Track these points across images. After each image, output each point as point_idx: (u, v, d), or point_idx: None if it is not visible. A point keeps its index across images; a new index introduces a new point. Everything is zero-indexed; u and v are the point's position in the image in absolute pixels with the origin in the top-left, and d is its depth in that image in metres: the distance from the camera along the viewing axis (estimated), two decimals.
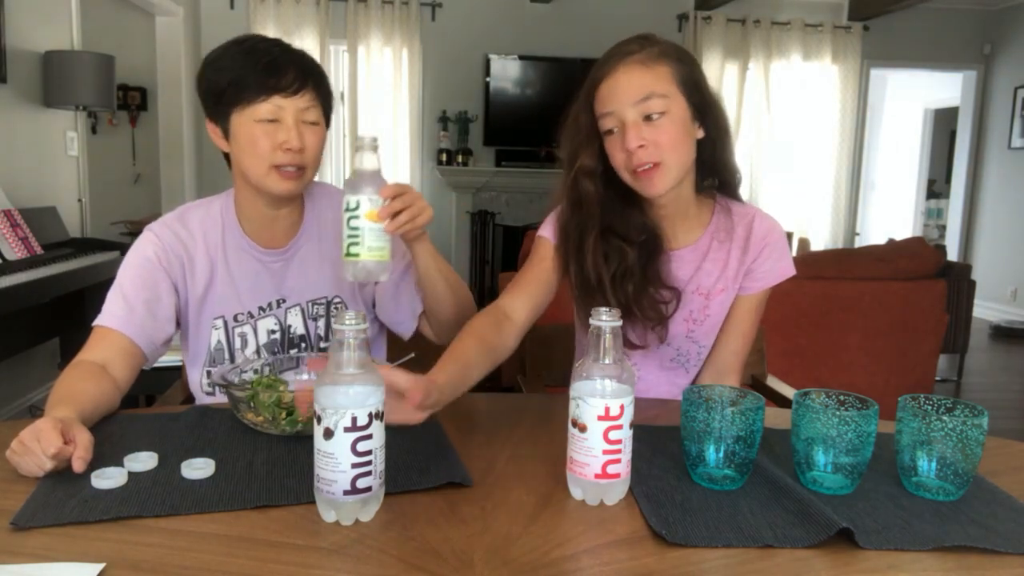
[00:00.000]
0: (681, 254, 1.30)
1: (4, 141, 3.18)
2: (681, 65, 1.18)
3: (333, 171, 6.09)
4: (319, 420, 0.79)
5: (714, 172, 1.29)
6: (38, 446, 0.87)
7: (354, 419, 0.78)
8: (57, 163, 3.63)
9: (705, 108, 1.20)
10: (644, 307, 1.24)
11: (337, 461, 0.79)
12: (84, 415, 1.00)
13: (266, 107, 1.18)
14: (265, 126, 1.18)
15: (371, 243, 1.03)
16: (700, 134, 1.22)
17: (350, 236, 1.03)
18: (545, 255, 1.29)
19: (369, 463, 0.80)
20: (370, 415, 0.79)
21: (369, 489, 0.81)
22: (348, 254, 1.03)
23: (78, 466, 0.88)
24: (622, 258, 1.23)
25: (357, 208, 1.02)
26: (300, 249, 1.33)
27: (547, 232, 1.31)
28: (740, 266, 1.31)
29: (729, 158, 1.27)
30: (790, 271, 1.31)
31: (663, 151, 1.15)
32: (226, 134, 1.23)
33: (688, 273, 1.30)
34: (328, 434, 0.79)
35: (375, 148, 1.05)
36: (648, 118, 1.15)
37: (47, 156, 3.55)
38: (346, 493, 0.79)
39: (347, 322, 0.79)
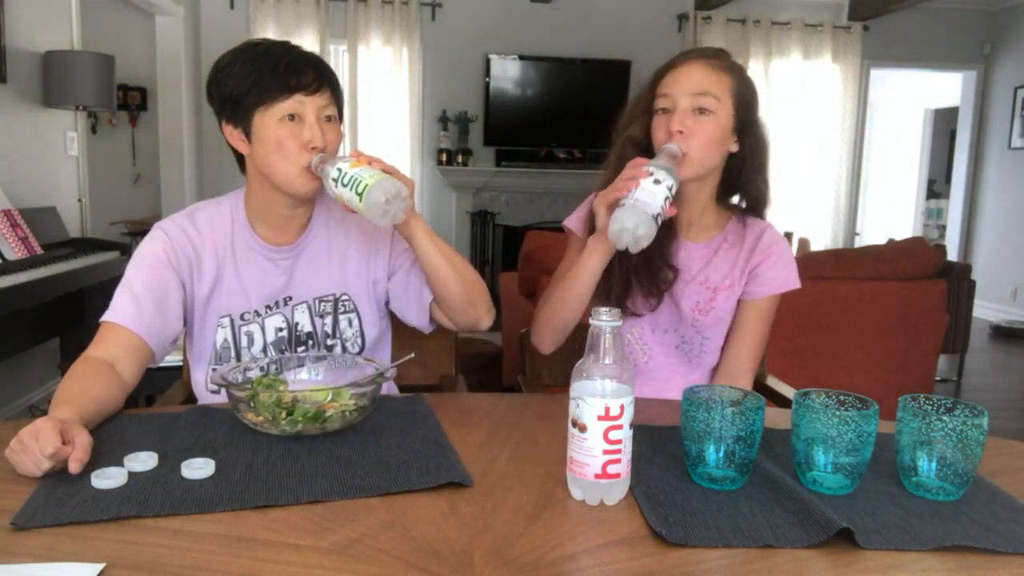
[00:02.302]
0: (694, 248, 1.40)
1: (4, 141, 3.18)
2: (742, 83, 1.32)
3: None
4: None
5: (738, 188, 1.39)
6: (36, 445, 0.87)
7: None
8: (57, 163, 3.63)
9: (748, 127, 1.32)
10: (643, 279, 1.35)
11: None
12: (86, 416, 1.00)
13: (289, 103, 1.20)
14: (289, 125, 1.20)
15: (369, 175, 1.13)
16: (734, 148, 1.33)
17: (352, 186, 1.13)
18: (573, 243, 1.41)
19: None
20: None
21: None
22: (360, 195, 1.13)
23: (74, 467, 0.88)
24: None
25: (340, 172, 1.15)
26: (309, 245, 1.34)
27: (571, 223, 1.42)
28: (746, 266, 1.39)
29: (756, 181, 1.37)
30: (795, 284, 1.39)
31: (695, 144, 1.27)
32: (248, 136, 1.24)
33: (698, 267, 1.39)
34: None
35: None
36: (697, 111, 1.27)
37: (47, 156, 3.55)
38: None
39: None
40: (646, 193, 1.15)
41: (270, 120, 1.20)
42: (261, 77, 1.19)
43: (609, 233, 1.15)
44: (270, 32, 5.51)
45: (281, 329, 1.32)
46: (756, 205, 1.40)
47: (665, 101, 1.29)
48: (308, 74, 1.21)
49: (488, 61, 5.92)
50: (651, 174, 1.16)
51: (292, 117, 1.20)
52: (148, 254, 1.27)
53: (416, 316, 1.36)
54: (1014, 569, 0.75)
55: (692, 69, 1.29)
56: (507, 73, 5.99)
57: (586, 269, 1.26)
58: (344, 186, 1.14)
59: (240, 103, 1.21)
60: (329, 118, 1.24)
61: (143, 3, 4.77)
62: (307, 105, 1.20)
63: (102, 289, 3.12)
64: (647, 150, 1.32)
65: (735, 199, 1.42)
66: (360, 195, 1.12)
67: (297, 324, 1.33)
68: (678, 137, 1.26)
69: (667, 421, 1.09)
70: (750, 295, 1.39)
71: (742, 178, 1.36)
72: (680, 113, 1.27)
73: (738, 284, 1.39)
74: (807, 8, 6.24)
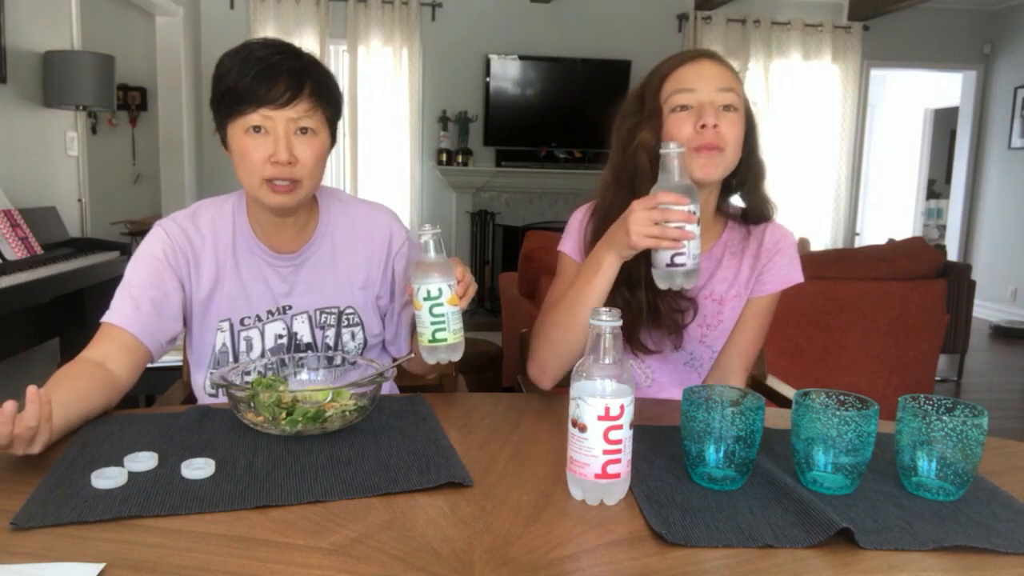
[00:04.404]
0: None
1: (4, 141, 3.18)
2: (741, 89, 1.26)
3: (333, 173, 6.08)
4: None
5: (741, 196, 1.34)
6: None
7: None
8: (57, 163, 3.63)
9: (750, 131, 1.27)
10: (662, 313, 1.27)
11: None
12: (58, 409, 0.97)
13: (254, 117, 1.16)
14: (254, 137, 1.17)
15: (455, 325, 1.09)
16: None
17: (435, 323, 1.07)
18: (568, 268, 1.34)
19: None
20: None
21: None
22: (434, 340, 1.08)
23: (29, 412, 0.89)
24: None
25: (440, 296, 1.07)
26: (312, 256, 1.32)
27: (568, 248, 1.35)
28: (752, 273, 1.34)
29: (760, 189, 1.31)
30: (798, 279, 1.35)
31: (728, 140, 1.20)
32: (224, 142, 1.22)
33: (702, 280, 1.33)
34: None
35: (440, 237, 1.10)
36: (725, 108, 1.20)
37: (47, 156, 3.55)
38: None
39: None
40: (696, 244, 1.09)
41: (237, 131, 1.18)
42: (234, 85, 1.16)
43: (658, 280, 1.12)
44: (270, 33, 5.51)
45: (281, 336, 1.31)
46: (762, 215, 1.34)
47: (687, 97, 1.20)
48: (279, 84, 1.15)
49: (488, 61, 5.92)
50: (694, 214, 1.07)
51: (258, 129, 1.17)
52: (147, 253, 1.27)
53: (393, 352, 1.42)
54: (1014, 569, 0.75)
55: (710, 65, 1.22)
56: (507, 73, 6.00)
57: (598, 291, 1.16)
58: (429, 312, 1.06)
59: (217, 110, 1.20)
60: (305, 130, 1.18)
61: (143, 3, 4.77)
62: (274, 119, 1.16)
63: (102, 289, 3.13)
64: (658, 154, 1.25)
65: (737, 203, 1.37)
66: (430, 339, 1.07)
67: (296, 334, 1.32)
68: (710, 133, 1.17)
69: (667, 421, 1.09)
70: (752, 294, 1.35)
71: (746, 185, 1.31)
72: (711, 107, 1.18)
73: (744, 292, 1.34)
74: (807, 8, 6.24)
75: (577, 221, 1.36)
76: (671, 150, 1.10)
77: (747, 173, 1.30)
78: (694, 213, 1.07)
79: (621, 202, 1.25)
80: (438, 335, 1.07)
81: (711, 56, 1.25)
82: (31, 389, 0.91)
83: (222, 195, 1.35)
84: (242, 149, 1.18)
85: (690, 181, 1.10)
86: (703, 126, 1.18)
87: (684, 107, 1.20)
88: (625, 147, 1.27)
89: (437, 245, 1.08)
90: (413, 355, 1.29)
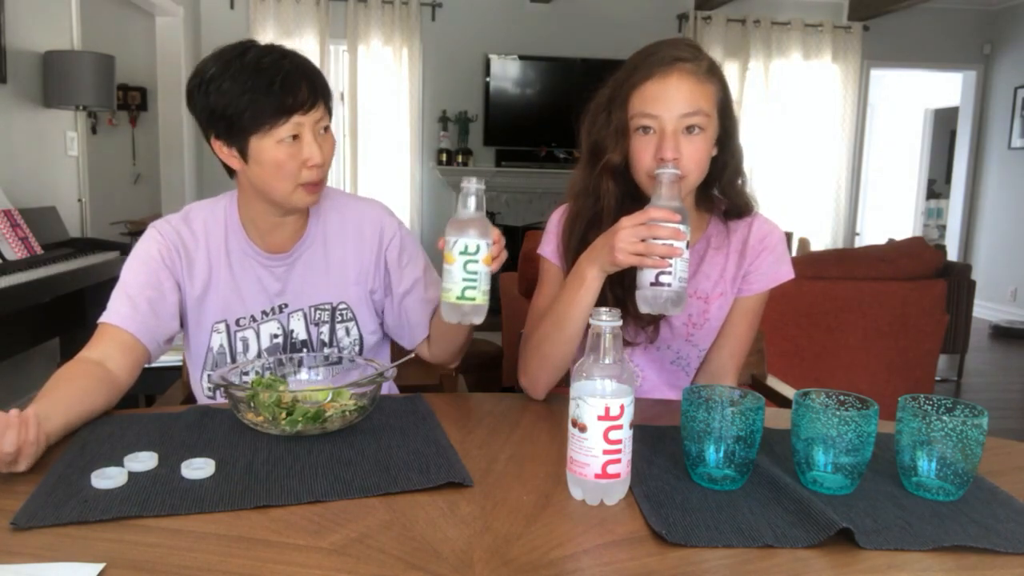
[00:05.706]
0: None
1: (4, 141, 3.19)
2: (722, 86, 1.22)
3: (333, 173, 6.08)
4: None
5: (720, 192, 1.31)
6: None
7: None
8: (57, 163, 3.64)
9: (729, 132, 1.24)
10: (627, 307, 1.23)
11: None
12: (59, 409, 0.99)
13: (287, 127, 1.16)
14: (288, 147, 1.17)
15: (484, 286, 1.03)
16: (714, 152, 1.23)
17: (468, 279, 1.01)
18: (551, 273, 1.35)
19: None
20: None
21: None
22: (463, 297, 1.02)
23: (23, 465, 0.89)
24: None
25: (477, 252, 1.01)
26: (304, 254, 1.32)
27: (547, 252, 1.35)
28: (738, 270, 1.32)
29: (737, 182, 1.29)
30: (788, 275, 1.32)
31: (690, 166, 1.17)
32: (243, 156, 1.20)
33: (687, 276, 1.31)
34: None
35: (483, 193, 1.05)
36: (688, 130, 1.16)
37: (47, 156, 3.55)
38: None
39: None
40: (683, 263, 1.06)
41: (268, 143, 1.17)
42: (256, 99, 1.14)
43: (641, 304, 1.09)
44: (270, 32, 5.52)
45: (276, 335, 1.32)
46: (741, 211, 1.31)
47: (649, 121, 1.17)
48: (303, 90, 1.16)
49: (488, 61, 5.93)
50: (685, 234, 1.05)
51: (295, 137, 1.17)
52: (143, 254, 1.27)
53: (406, 342, 1.41)
54: (1014, 569, 0.75)
55: (678, 83, 1.16)
56: (507, 73, 6.00)
57: (582, 305, 1.15)
58: (463, 267, 1.01)
59: (233, 125, 1.17)
60: (325, 129, 1.22)
61: (143, 3, 4.77)
62: (304, 125, 1.17)
63: (102, 289, 3.13)
64: (625, 172, 1.23)
65: (715, 194, 1.33)
66: (459, 295, 1.02)
67: (292, 331, 1.32)
68: (672, 163, 1.14)
69: (667, 421, 1.09)
70: (741, 293, 1.33)
71: (724, 182, 1.28)
72: (671, 138, 1.15)
73: (731, 290, 1.32)
74: (807, 8, 6.24)
75: (554, 223, 1.36)
76: (667, 171, 1.08)
77: (723, 171, 1.27)
78: (683, 232, 1.05)
79: (588, 212, 1.28)
80: (468, 293, 1.02)
81: (679, 66, 1.17)
82: (13, 413, 0.90)
83: (213, 197, 1.35)
84: (277, 160, 1.18)
85: (681, 203, 1.08)
86: (662, 159, 1.15)
87: (647, 128, 1.18)
88: (592, 162, 1.26)
89: (479, 201, 1.04)
90: (414, 354, 1.30)
